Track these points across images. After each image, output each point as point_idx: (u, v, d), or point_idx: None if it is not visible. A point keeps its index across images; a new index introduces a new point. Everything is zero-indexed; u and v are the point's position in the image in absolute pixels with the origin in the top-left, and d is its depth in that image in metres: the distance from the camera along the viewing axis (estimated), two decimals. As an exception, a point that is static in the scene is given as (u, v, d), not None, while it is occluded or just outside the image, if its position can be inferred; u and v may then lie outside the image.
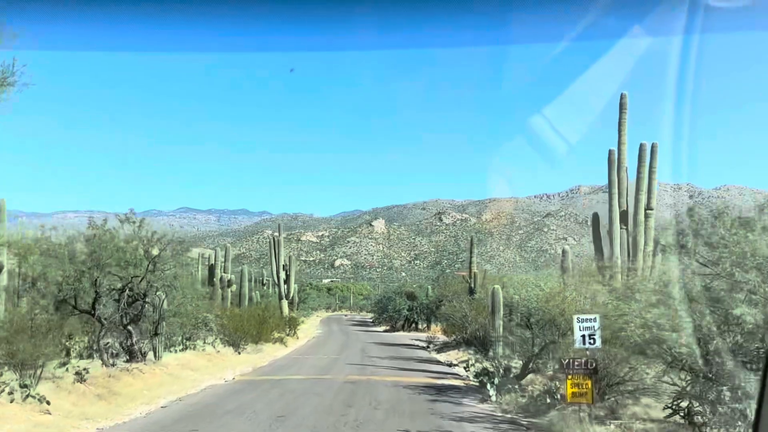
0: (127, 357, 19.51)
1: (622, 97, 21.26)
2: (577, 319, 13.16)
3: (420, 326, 52.73)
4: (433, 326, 48.46)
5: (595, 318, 13.04)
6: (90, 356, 19.10)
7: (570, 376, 12.61)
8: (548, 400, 14.62)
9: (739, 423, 9.05)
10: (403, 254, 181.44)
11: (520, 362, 19.44)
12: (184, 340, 24.83)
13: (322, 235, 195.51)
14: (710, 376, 9.54)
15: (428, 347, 36.00)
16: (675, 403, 10.87)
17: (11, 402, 12.63)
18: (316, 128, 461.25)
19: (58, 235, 18.26)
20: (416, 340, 41.66)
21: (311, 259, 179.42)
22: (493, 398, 16.48)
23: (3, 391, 12.66)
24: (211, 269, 40.78)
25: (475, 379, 20.62)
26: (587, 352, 13.10)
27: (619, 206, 21.23)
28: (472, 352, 28.72)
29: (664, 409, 11.38)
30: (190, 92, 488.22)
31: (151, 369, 19.28)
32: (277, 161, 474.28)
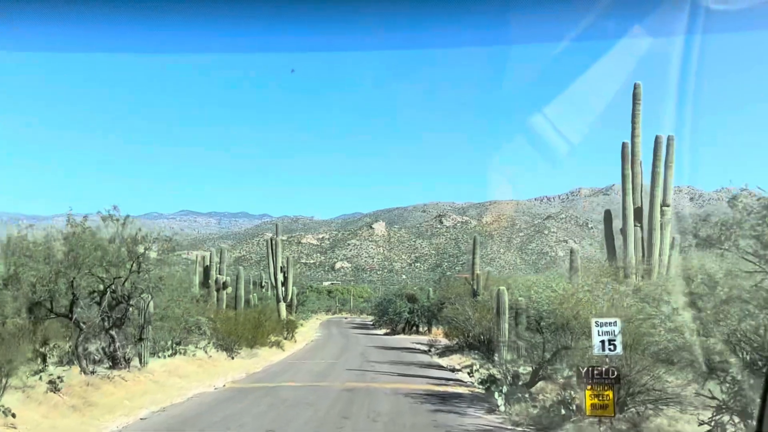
0: (110, 364, 18.29)
1: (635, 87, 20.07)
2: (596, 322, 11.96)
3: (421, 329, 51.66)
4: (434, 329, 47.36)
5: (615, 322, 11.84)
6: (71, 363, 17.89)
7: (589, 387, 11.41)
8: (563, 412, 13.38)
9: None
10: (403, 257, 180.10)
11: (529, 368, 18.23)
12: (174, 345, 23.57)
13: (323, 237, 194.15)
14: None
15: (430, 351, 34.91)
16: (714, 418, 9.63)
17: (-30, 415, 11.45)
18: (317, 130, 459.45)
19: (34, 234, 17.06)
20: (417, 343, 40.57)
21: (312, 261, 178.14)
22: (502, 408, 15.22)
23: (-39, 403, 11.47)
24: (206, 271, 39.56)
25: (481, 386, 19.42)
26: (607, 359, 11.91)
27: (634, 203, 19.99)
28: (475, 356, 27.57)
29: (700, 425, 10.11)
30: (189, 94, 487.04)
31: (135, 376, 18.07)
32: (277, 164, 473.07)
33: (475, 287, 37.14)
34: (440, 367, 26.88)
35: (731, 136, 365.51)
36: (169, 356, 22.64)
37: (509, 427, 13.60)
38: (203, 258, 40.79)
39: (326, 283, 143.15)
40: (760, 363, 8.40)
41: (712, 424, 9.68)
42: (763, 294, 8.41)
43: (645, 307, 11.46)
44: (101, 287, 17.65)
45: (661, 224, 19.24)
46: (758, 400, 7.79)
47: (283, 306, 48.80)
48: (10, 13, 9.97)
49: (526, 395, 15.85)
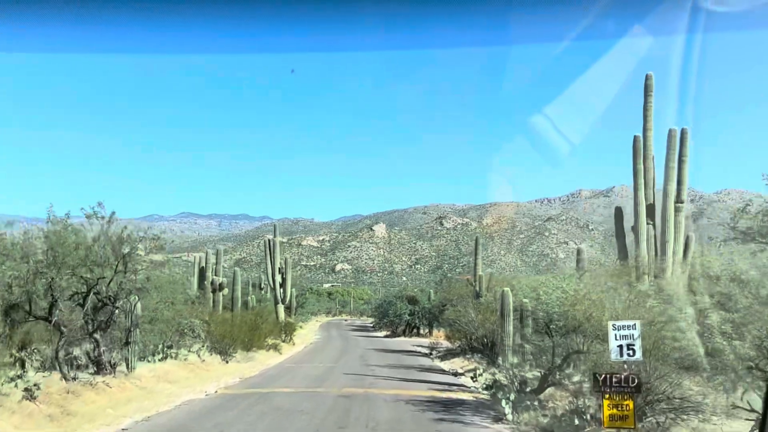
0: (95, 369, 17.34)
1: (647, 78, 19.08)
2: (613, 326, 11.00)
3: (422, 331, 50.74)
4: (435, 331, 46.48)
5: (634, 325, 10.89)
6: (53, 368, 16.93)
7: (607, 395, 10.45)
8: (576, 422, 12.42)
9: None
10: (403, 258, 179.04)
11: (536, 373, 17.27)
12: (165, 349, 22.60)
13: (323, 239, 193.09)
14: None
15: (431, 354, 33.98)
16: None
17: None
18: (317, 131, 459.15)
19: (14, 232, 16.11)
20: (418, 346, 39.61)
21: (312, 263, 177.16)
22: (509, 417, 14.24)
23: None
24: (202, 272, 38.62)
25: (486, 392, 18.48)
26: (624, 366, 10.96)
27: (646, 199, 19.01)
28: (479, 360, 26.64)
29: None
30: (189, 97, 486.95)
31: (121, 382, 17.11)
32: (277, 165, 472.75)
33: (477, 289, 36.21)
34: (442, 371, 25.91)
35: (731, 137, 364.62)
36: (159, 360, 21.68)
37: (518, 438, 12.66)
38: (199, 259, 39.86)
39: (327, 285, 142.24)
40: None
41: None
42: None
43: (668, 308, 10.48)
44: (84, 288, 16.70)
45: (675, 221, 18.26)
46: None
47: (281, 308, 47.88)
48: (11, 13, 9.70)
49: (535, 402, 14.89)
